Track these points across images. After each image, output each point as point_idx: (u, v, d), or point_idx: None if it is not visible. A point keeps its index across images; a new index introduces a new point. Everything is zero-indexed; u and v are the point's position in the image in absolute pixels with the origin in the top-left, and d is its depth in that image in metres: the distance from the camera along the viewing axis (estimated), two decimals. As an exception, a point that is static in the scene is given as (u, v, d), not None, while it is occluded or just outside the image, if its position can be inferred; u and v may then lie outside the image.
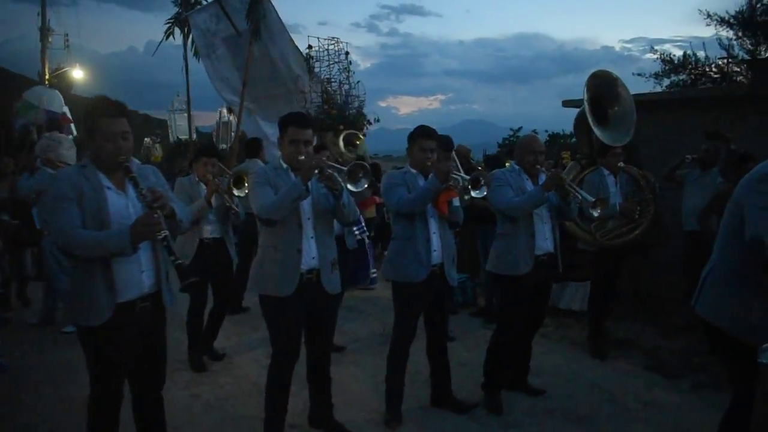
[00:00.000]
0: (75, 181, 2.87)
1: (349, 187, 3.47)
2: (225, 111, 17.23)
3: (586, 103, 5.79)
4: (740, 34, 14.82)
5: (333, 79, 10.35)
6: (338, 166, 3.51)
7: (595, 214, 4.27)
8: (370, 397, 4.65)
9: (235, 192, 5.34)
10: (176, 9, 12.39)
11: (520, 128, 17.95)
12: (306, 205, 3.61)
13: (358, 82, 10.87)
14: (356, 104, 10.11)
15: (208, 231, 5.26)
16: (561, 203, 4.36)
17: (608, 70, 6.13)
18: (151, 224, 2.78)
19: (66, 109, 13.13)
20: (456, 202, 4.09)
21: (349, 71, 10.40)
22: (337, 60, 10.74)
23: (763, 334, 2.64)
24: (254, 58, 10.20)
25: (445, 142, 6.35)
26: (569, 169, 6.00)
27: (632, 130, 5.91)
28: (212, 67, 11.21)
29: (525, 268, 4.28)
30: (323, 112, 9.40)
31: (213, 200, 5.15)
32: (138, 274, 2.97)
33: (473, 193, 3.92)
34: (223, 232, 5.35)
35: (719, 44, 15.76)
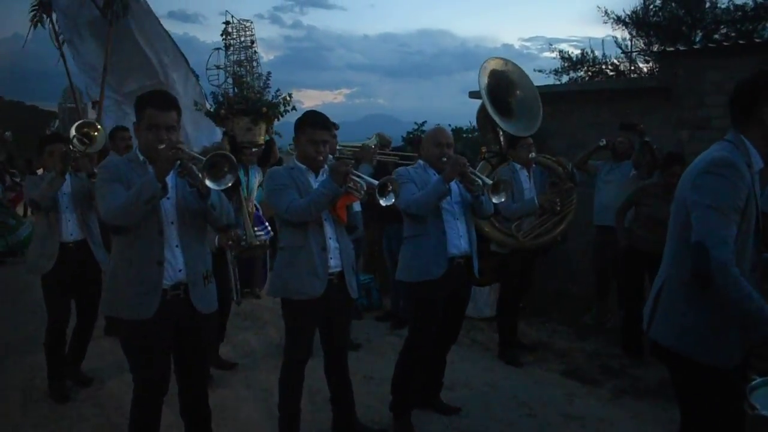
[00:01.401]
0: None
1: (208, 183, 2.70)
2: (89, 108, 15.68)
3: (484, 94, 5.36)
4: (634, 33, 15.31)
5: (243, 64, 9.79)
6: (201, 157, 2.77)
7: (497, 200, 3.80)
8: (263, 425, 4.00)
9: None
10: None
11: (424, 122, 17.70)
12: (168, 206, 2.92)
13: (269, 73, 10.36)
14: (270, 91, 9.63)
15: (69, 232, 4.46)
16: (471, 197, 3.88)
17: (498, 57, 5.80)
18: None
19: None
20: (356, 206, 3.50)
21: (254, 61, 9.79)
22: (244, 45, 10.18)
23: (737, 354, 2.24)
24: (122, 44, 9.26)
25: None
26: (480, 170, 5.56)
27: (539, 117, 5.56)
28: (77, 55, 10.04)
29: (437, 271, 3.78)
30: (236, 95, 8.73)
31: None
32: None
33: (380, 201, 3.32)
34: (86, 234, 4.53)
35: (615, 43, 16.20)
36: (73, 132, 4.65)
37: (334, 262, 3.49)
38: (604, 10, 15.19)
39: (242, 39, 9.65)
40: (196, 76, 9.10)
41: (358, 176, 3.36)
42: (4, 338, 5.89)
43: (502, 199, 3.83)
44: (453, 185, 3.86)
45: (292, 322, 3.53)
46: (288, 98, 5.49)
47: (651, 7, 14.90)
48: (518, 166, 5.27)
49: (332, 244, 3.50)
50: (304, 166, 3.54)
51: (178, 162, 2.74)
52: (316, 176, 3.52)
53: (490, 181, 3.80)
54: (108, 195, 2.81)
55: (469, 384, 4.73)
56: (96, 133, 4.69)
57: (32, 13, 11.18)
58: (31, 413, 4.25)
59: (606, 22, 15.35)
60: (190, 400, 3.17)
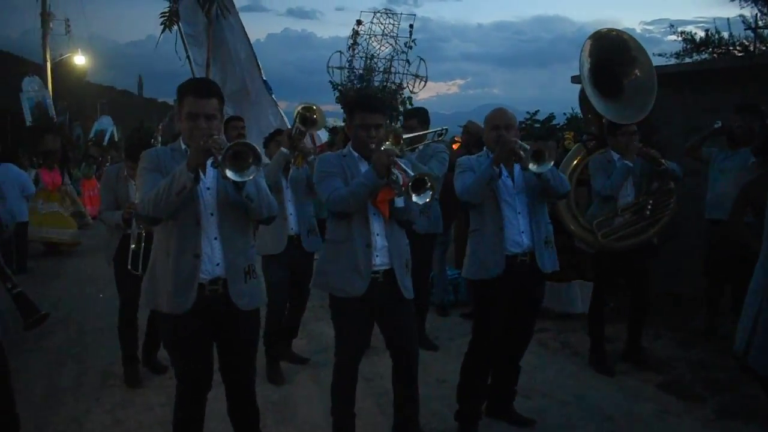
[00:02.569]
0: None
1: (229, 174, 2.51)
2: None
3: (585, 69, 4.73)
4: (765, 10, 13.81)
5: (380, 57, 10.46)
6: (230, 144, 2.57)
7: (541, 169, 3.35)
8: (322, 426, 3.82)
9: None
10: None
11: (537, 111, 16.85)
12: (208, 196, 2.78)
13: (421, 60, 11.03)
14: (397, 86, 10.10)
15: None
16: (535, 179, 3.49)
17: (617, 29, 5.10)
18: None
19: None
20: (400, 202, 3.22)
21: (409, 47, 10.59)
22: (391, 35, 10.85)
23: None
24: (221, 47, 9.61)
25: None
26: (572, 154, 5.06)
27: (650, 105, 4.83)
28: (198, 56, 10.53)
29: (495, 269, 3.46)
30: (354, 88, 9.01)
31: None
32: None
33: (414, 198, 3.02)
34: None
35: (743, 22, 14.74)
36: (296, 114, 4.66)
37: (380, 260, 3.23)
38: (729, -14, 13.82)
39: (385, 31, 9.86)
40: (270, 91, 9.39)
41: (405, 169, 3.07)
42: (84, 324, 6.18)
43: (547, 168, 3.39)
44: (517, 171, 3.53)
45: (336, 320, 3.32)
46: (408, 101, 5.48)
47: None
48: (616, 156, 4.73)
49: (379, 241, 3.24)
50: (357, 154, 3.32)
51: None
52: (369, 164, 3.28)
53: (527, 146, 3.38)
54: (144, 184, 2.72)
55: (551, 393, 4.33)
56: (315, 116, 4.60)
57: (162, 19, 11.83)
58: (106, 398, 4.35)
59: (733, 1, 13.97)
60: (235, 399, 3.04)
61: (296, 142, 4.47)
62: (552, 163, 3.39)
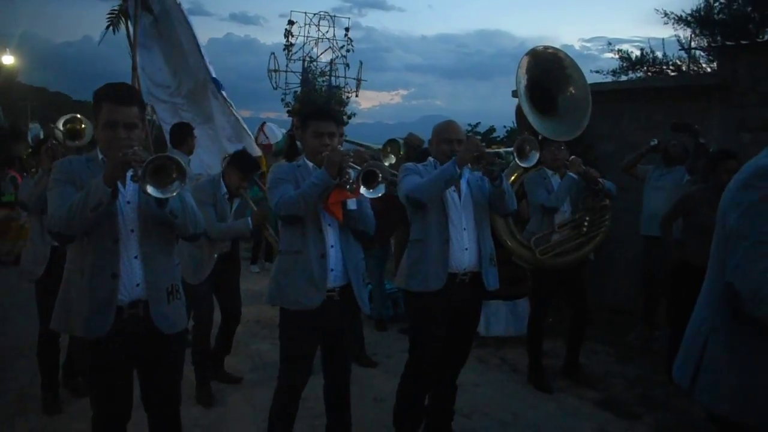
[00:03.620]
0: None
1: (150, 190, 2.31)
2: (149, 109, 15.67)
3: (521, 86, 4.72)
4: (698, 32, 14.37)
5: (318, 61, 10.20)
6: (151, 158, 2.38)
7: (528, 163, 3.49)
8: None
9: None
10: None
11: (478, 123, 17.11)
12: (129, 211, 2.58)
13: (361, 63, 10.83)
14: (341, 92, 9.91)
15: None
16: (490, 189, 3.45)
17: (554, 46, 5.14)
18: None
19: None
20: (352, 204, 3.10)
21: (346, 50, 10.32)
22: (323, 37, 10.64)
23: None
24: (170, 46, 9.16)
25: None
26: (510, 170, 5.03)
27: (584, 122, 4.87)
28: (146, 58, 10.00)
29: (436, 283, 3.38)
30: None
31: None
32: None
33: (365, 192, 2.92)
34: None
35: (678, 43, 15.31)
36: (59, 126, 4.43)
37: (335, 273, 3.12)
38: (663, 11, 14.35)
39: (319, 34, 9.59)
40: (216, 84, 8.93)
41: (355, 169, 2.96)
42: (10, 341, 5.76)
43: (534, 161, 3.43)
44: (464, 186, 3.48)
45: (286, 337, 3.17)
46: (345, 98, 5.27)
47: (715, 4, 13.99)
48: (550, 172, 4.75)
49: (333, 253, 3.12)
50: (311, 164, 3.20)
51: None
52: None
53: (511, 148, 3.42)
54: (55, 198, 2.49)
55: (490, 412, 4.26)
56: (83, 127, 4.47)
57: (109, 18, 11.30)
58: (20, 424, 4.03)
59: (666, 23, 14.50)
60: (158, 429, 2.83)
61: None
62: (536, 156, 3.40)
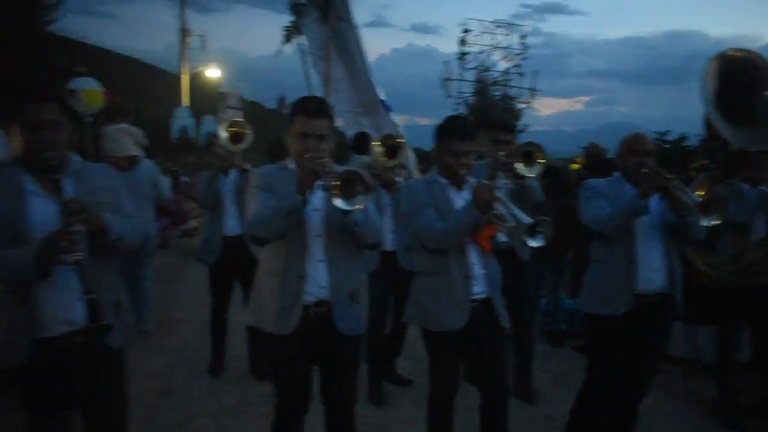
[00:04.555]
0: None
1: (337, 203, 2.49)
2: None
3: (709, 91, 4.28)
4: None
5: (492, 70, 10.19)
6: (340, 171, 2.54)
7: (707, 223, 3.09)
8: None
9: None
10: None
11: (667, 132, 15.92)
12: (316, 218, 2.76)
13: (536, 72, 10.63)
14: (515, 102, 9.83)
15: (230, 227, 4.86)
16: (675, 218, 3.21)
17: (745, 48, 4.60)
18: (56, 243, 2.15)
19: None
20: (503, 237, 3.05)
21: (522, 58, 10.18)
22: (498, 46, 10.63)
23: None
24: (348, 57, 9.62)
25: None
26: (698, 183, 4.62)
27: None
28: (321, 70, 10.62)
29: (621, 307, 3.21)
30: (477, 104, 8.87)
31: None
32: (68, 304, 2.34)
33: (529, 242, 2.81)
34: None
35: None
36: (224, 132, 4.82)
37: (478, 289, 3.10)
38: None
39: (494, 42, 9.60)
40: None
41: (507, 206, 2.89)
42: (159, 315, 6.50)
43: (715, 222, 3.12)
44: (653, 205, 3.25)
45: (432, 355, 3.20)
46: (517, 114, 5.20)
47: None
48: (747, 187, 4.30)
49: (477, 270, 3.10)
50: (445, 180, 3.18)
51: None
52: (458, 190, 3.16)
53: (698, 199, 3.11)
54: (254, 204, 2.74)
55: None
56: (247, 131, 4.83)
57: (285, 33, 12.19)
58: (213, 402, 4.48)
59: None
60: (333, 422, 3.00)
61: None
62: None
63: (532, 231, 2.80)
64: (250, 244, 4.78)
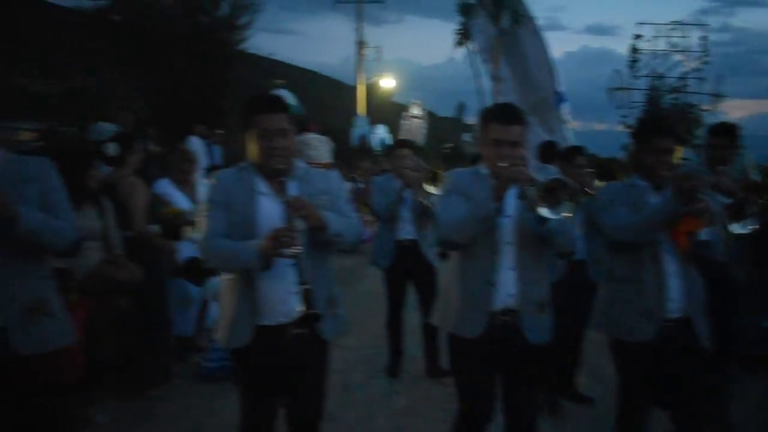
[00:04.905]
0: (227, 184, 2.63)
1: (542, 212, 2.44)
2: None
3: None
4: None
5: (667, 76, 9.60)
6: (539, 179, 2.50)
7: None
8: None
9: (431, 189, 4.71)
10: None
11: None
12: (507, 225, 2.74)
13: (721, 76, 9.87)
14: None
15: (404, 231, 4.94)
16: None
17: None
18: (278, 238, 2.36)
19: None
20: (704, 234, 2.78)
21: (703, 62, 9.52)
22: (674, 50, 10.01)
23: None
24: (517, 58, 9.43)
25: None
26: None
27: None
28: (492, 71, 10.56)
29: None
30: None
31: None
32: (286, 295, 2.55)
33: (735, 227, 2.55)
34: (419, 234, 4.94)
35: None
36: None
37: (674, 306, 2.88)
38: None
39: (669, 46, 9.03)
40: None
41: (711, 195, 2.70)
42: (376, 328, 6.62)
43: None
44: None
45: (621, 370, 3.05)
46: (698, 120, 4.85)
47: None
48: None
49: (674, 282, 2.88)
50: (644, 183, 3.00)
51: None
52: (658, 194, 2.95)
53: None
54: (444, 208, 2.80)
55: None
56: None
57: (457, 36, 12.29)
58: (392, 403, 4.64)
59: None
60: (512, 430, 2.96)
61: None
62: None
63: (738, 213, 2.57)
64: (425, 248, 4.90)
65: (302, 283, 2.43)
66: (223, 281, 2.72)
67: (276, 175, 2.56)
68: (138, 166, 4.60)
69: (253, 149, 2.61)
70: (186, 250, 5.07)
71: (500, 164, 2.63)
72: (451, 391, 4.58)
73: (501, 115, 2.75)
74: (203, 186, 7.65)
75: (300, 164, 2.74)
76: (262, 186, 2.63)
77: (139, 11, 15.41)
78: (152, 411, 4.37)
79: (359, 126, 21.04)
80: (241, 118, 2.64)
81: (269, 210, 2.57)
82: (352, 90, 28.92)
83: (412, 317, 5.35)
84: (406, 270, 4.97)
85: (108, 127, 5.04)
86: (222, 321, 2.71)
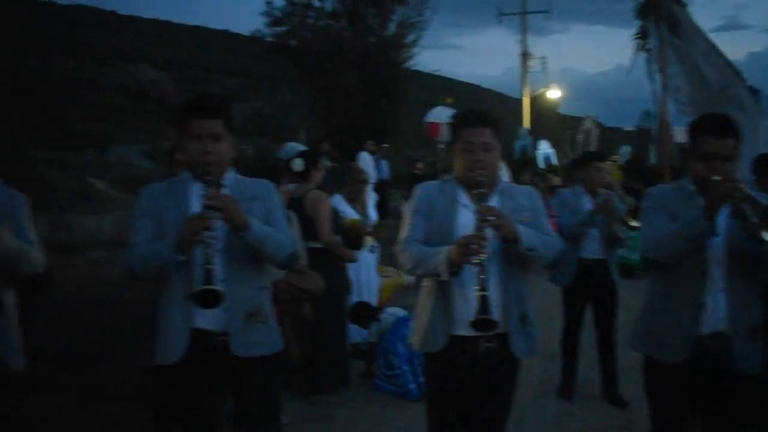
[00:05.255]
0: (430, 195, 2.74)
1: (764, 235, 2.21)
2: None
3: None
4: None
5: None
6: (759, 199, 2.28)
7: None
8: None
9: (633, 223, 4.43)
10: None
11: None
12: (717, 244, 2.53)
13: None
14: None
15: (590, 250, 4.69)
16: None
17: None
18: (466, 244, 2.38)
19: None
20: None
21: None
22: None
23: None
24: (686, 64, 8.93)
25: None
26: None
27: None
28: (668, 78, 10.05)
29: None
30: None
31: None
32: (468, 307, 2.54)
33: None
34: (606, 253, 4.69)
35: None
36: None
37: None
38: None
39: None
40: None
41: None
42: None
43: None
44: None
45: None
46: None
47: None
48: None
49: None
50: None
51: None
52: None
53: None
54: (648, 225, 2.66)
55: None
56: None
57: (638, 42, 11.77)
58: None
59: None
60: None
61: None
62: None
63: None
64: (611, 268, 4.67)
65: (481, 289, 2.41)
66: (422, 286, 2.80)
67: (475, 187, 2.58)
68: (320, 182, 4.88)
69: (458, 162, 2.67)
70: (354, 295, 5.31)
71: (713, 179, 2.42)
72: (631, 416, 4.41)
73: (712, 127, 2.55)
74: (372, 200, 7.99)
75: (504, 179, 2.76)
76: (463, 197, 2.68)
77: (315, 36, 16.42)
78: (330, 415, 4.57)
79: (521, 138, 20.73)
80: (450, 132, 2.74)
81: (467, 220, 2.59)
82: (515, 102, 28.64)
83: (586, 336, 5.13)
84: (588, 289, 4.76)
85: (294, 146, 5.38)
86: (417, 325, 2.78)
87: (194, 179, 2.52)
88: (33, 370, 2.75)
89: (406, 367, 4.86)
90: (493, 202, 2.61)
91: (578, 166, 5.22)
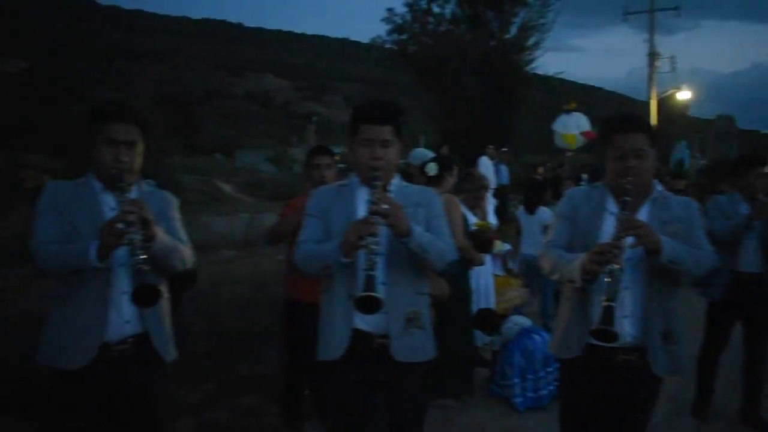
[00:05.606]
0: (577, 201, 2.70)
1: None
2: None
3: None
4: None
5: None
6: None
7: None
8: None
9: None
10: None
11: None
12: None
13: None
14: None
15: (747, 263, 4.32)
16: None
17: None
18: (600, 252, 2.35)
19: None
20: None
21: None
22: None
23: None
24: None
25: None
26: None
27: None
28: None
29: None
30: None
31: None
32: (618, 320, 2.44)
33: None
34: (765, 267, 4.29)
35: None
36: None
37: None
38: None
39: None
40: None
41: None
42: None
43: None
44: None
45: None
46: None
47: None
48: None
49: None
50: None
51: None
52: None
53: None
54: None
55: None
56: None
57: None
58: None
59: None
60: None
61: None
62: None
63: None
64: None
65: (608, 299, 2.31)
66: (564, 290, 2.74)
67: (623, 195, 2.49)
68: (451, 187, 4.90)
69: (609, 168, 2.59)
70: (477, 302, 5.24)
71: None
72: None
73: None
74: (492, 206, 7.89)
75: (659, 188, 2.63)
76: (611, 204, 2.59)
77: (435, 42, 16.47)
78: (449, 420, 4.56)
79: (679, 150, 19.21)
80: (600, 136, 2.67)
81: (610, 227, 2.51)
82: (639, 105, 27.27)
83: (725, 354, 4.79)
84: (741, 305, 4.40)
85: (423, 152, 5.45)
86: (556, 330, 2.75)
87: (361, 183, 2.57)
88: (180, 361, 2.86)
89: (516, 380, 4.82)
90: (644, 211, 2.52)
91: (737, 171, 4.75)
